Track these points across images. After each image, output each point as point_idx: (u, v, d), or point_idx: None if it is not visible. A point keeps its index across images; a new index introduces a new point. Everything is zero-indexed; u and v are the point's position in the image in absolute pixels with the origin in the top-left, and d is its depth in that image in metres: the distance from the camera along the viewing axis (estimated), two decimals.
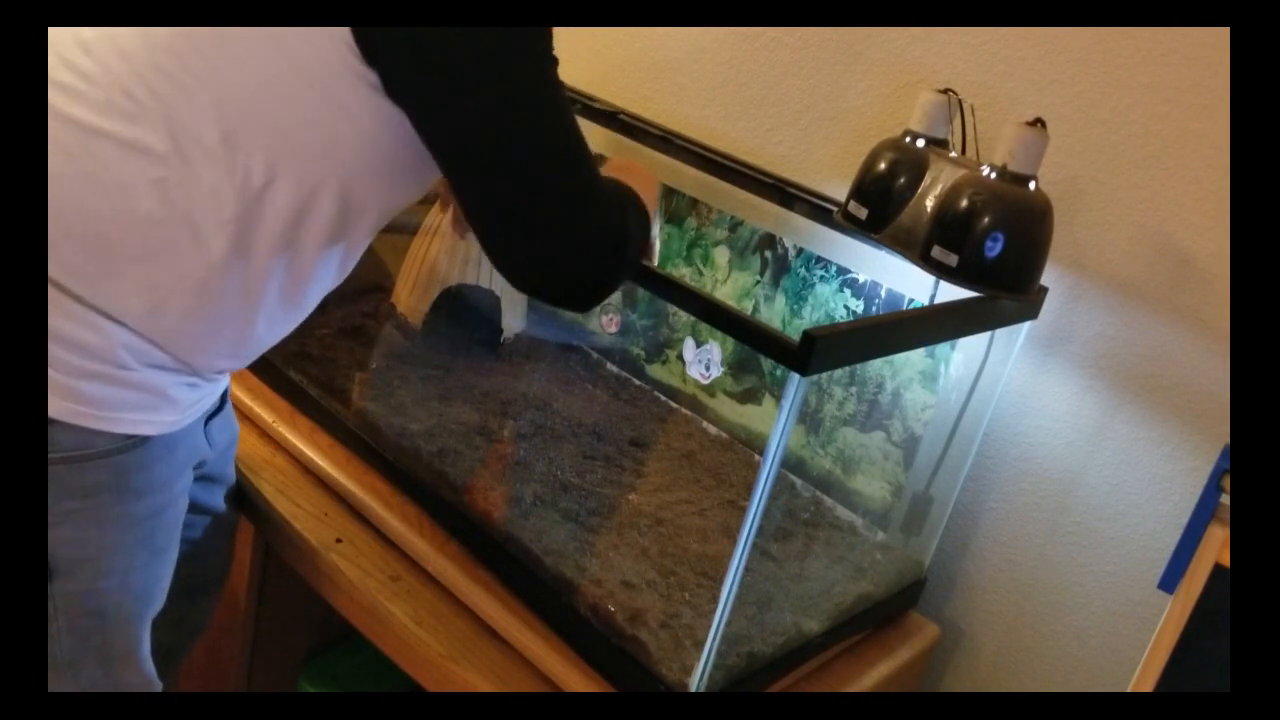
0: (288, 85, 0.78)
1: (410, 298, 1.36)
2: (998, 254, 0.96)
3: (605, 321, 1.48)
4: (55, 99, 0.79)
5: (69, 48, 0.79)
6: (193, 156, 0.78)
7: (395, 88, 0.78)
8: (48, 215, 0.78)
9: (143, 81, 0.78)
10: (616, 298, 1.47)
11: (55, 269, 0.78)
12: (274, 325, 0.90)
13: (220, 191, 0.79)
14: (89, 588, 0.87)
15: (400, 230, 1.42)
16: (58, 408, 0.79)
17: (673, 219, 1.39)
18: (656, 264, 1.06)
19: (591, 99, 1.39)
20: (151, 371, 0.84)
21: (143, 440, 0.85)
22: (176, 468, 0.91)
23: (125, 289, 0.80)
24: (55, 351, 0.79)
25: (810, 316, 1.27)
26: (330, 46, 0.77)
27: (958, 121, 1.07)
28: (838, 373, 1.24)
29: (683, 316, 1.40)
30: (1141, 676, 0.82)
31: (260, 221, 0.81)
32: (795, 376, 0.82)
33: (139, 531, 0.89)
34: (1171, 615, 0.81)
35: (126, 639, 0.93)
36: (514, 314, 1.41)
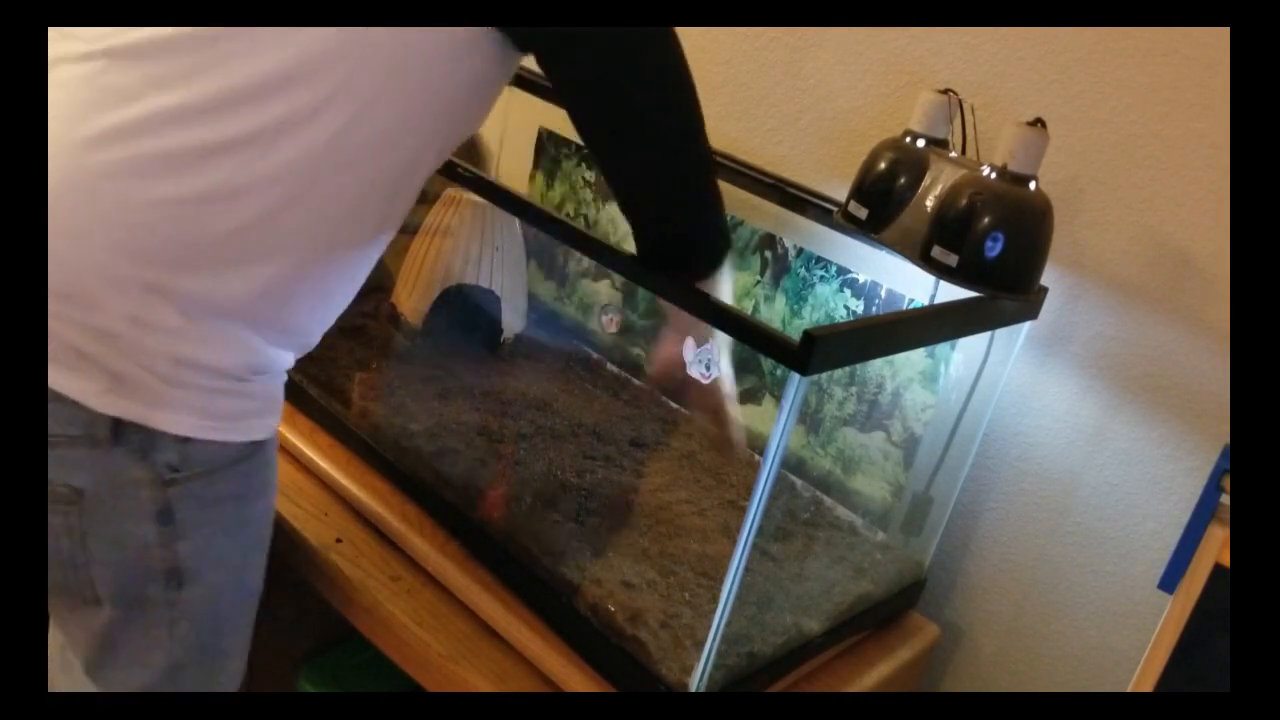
0: (411, 49, 0.79)
1: (410, 298, 1.36)
2: (998, 254, 0.96)
3: (605, 321, 1.48)
4: (150, 132, 0.77)
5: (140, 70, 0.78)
6: (305, 138, 0.78)
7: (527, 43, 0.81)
8: (163, 250, 0.77)
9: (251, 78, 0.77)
10: (617, 297, 1.47)
11: (183, 300, 0.78)
12: (359, 284, 0.93)
13: (339, 176, 0.81)
14: (213, 591, 0.90)
15: (400, 230, 1.42)
16: (193, 426, 0.81)
17: None
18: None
19: None
20: (265, 379, 0.86)
21: (258, 445, 0.88)
22: (276, 466, 0.95)
23: (252, 298, 0.81)
24: (190, 376, 0.80)
25: (810, 316, 1.27)
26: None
27: (958, 121, 1.07)
28: (838, 373, 1.24)
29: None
30: (1141, 676, 0.82)
31: (370, 196, 0.84)
32: (795, 376, 0.82)
33: (254, 532, 0.92)
34: (1171, 615, 0.81)
35: (238, 636, 0.96)
36: (514, 314, 1.41)
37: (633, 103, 0.79)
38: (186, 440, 0.81)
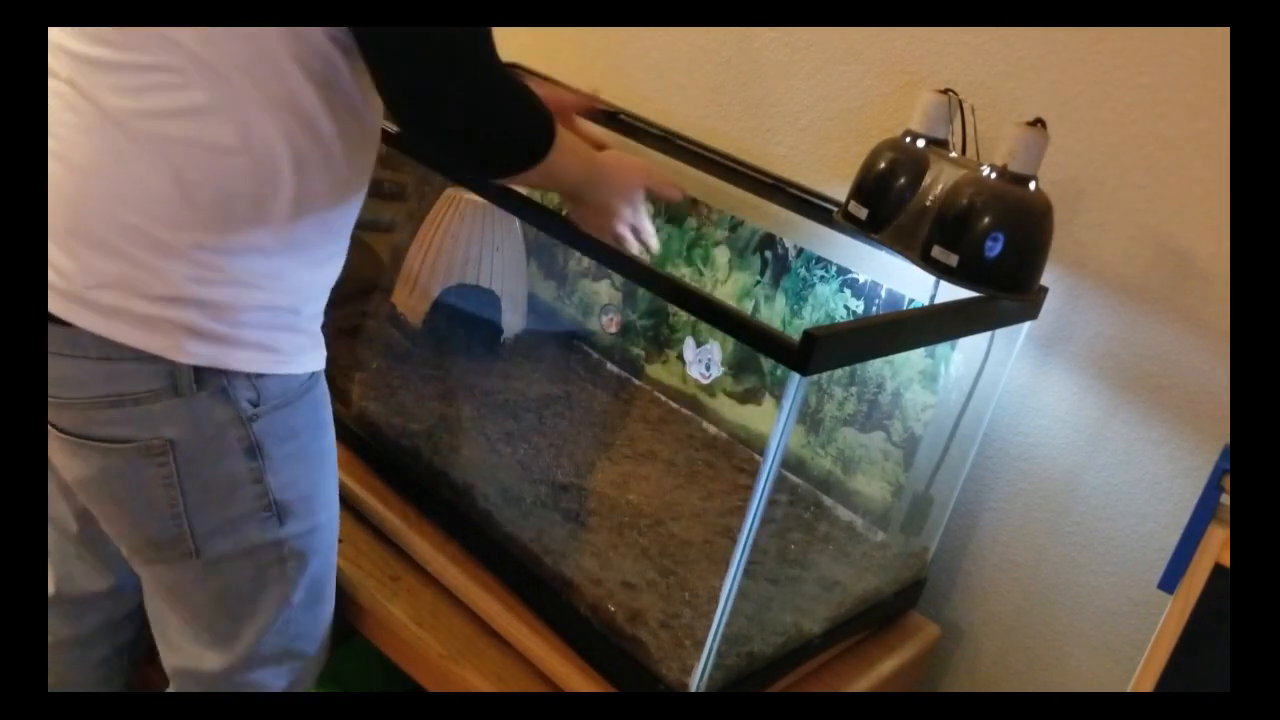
0: None
1: (410, 298, 1.36)
2: (998, 254, 0.96)
3: (605, 321, 1.48)
4: (107, 101, 0.80)
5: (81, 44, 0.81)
6: (238, 88, 0.80)
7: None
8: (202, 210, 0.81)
9: (178, 48, 0.79)
10: (617, 297, 1.47)
11: (229, 248, 0.83)
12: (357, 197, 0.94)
13: (267, 110, 0.82)
14: (311, 525, 0.96)
15: (400, 230, 1.42)
16: (263, 362, 0.87)
17: (673, 219, 1.39)
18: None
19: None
20: (313, 316, 0.92)
21: (317, 376, 0.94)
22: (330, 401, 0.99)
23: (281, 231, 0.86)
24: (252, 316, 0.86)
25: (810, 316, 1.28)
26: None
27: (958, 121, 1.07)
28: (838, 373, 1.24)
29: (683, 316, 1.40)
30: (1141, 676, 0.82)
31: (312, 116, 0.84)
32: (795, 376, 0.82)
33: (329, 463, 0.98)
34: (1171, 615, 0.81)
35: (331, 573, 1.01)
36: (514, 314, 1.41)
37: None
38: (260, 376, 0.88)
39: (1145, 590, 1.13)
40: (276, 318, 0.88)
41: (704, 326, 1.33)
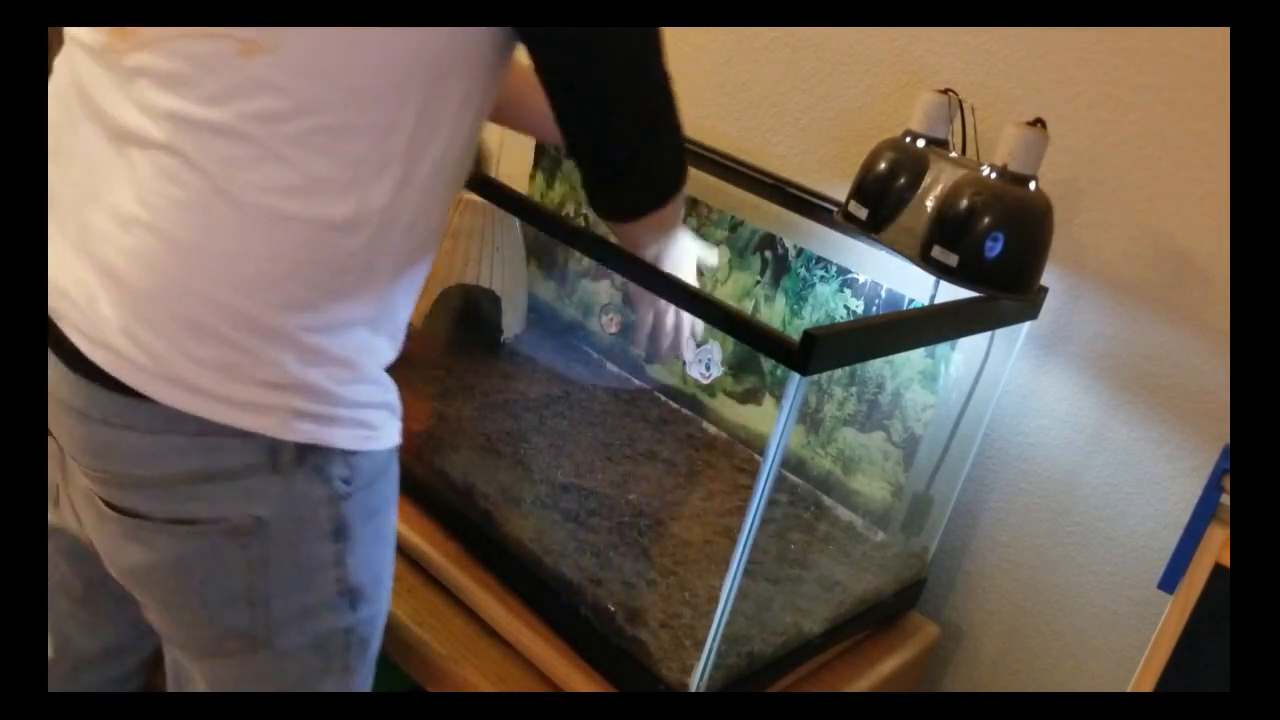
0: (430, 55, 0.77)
1: None
2: (998, 254, 0.96)
3: (605, 321, 1.48)
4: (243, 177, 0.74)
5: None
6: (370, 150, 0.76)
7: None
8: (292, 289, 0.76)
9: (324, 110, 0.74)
10: (617, 297, 1.47)
11: (329, 324, 0.78)
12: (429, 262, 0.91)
13: (385, 179, 0.78)
14: (378, 609, 0.90)
15: None
16: (359, 438, 0.82)
17: None
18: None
19: None
20: (390, 385, 0.87)
21: (395, 450, 0.89)
22: None
23: (375, 304, 0.81)
24: (350, 392, 0.81)
25: (810, 316, 1.28)
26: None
27: (958, 121, 1.07)
28: (838, 373, 1.24)
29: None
30: (1141, 676, 0.82)
31: (427, 183, 0.80)
32: (795, 376, 0.82)
33: (394, 539, 0.92)
34: (1171, 615, 0.81)
35: (376, 649, 0.94)
36: (514, 314, 1.41)
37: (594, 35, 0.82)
38: (353, 453, 0.83)
39: (1145, 590, 1.13)
40: (369, 393, 0.83)
41: (704, 326, 1.33)
